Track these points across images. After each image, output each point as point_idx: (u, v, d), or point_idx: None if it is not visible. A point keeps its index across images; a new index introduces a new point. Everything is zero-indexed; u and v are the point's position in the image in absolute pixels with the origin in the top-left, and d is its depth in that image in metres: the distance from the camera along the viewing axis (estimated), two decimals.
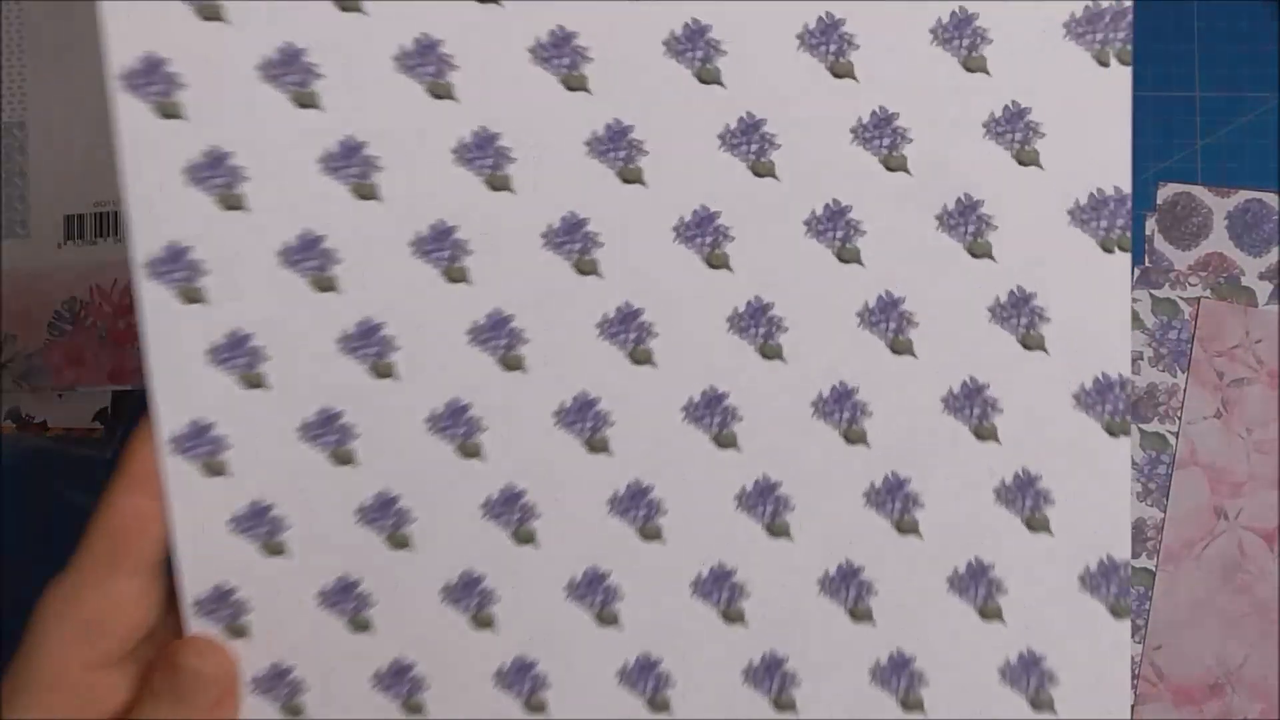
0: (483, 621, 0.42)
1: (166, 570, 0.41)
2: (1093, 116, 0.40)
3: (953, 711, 0.41)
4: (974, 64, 0.40)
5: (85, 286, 0.61)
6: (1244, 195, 0.62)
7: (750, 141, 0.41)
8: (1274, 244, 0.62)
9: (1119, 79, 0.40)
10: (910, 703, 0.41)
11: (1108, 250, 0.40)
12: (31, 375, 0.60)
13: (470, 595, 0.42)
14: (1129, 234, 0.40)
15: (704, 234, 0.41)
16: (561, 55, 0.41)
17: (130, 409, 0.61)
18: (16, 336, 0.60)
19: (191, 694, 0.39)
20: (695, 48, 0.41)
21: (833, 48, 0.40)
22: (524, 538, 0.42)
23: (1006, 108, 0.40)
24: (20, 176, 0.61)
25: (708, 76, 0.41)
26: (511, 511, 0.42)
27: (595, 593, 0.42)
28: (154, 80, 0.42)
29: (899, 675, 0.41)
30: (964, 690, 0.41)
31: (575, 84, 0.41)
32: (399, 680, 0.42)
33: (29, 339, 0.60)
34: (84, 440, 0.60)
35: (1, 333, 0.60)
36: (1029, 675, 0.41)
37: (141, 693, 0.39)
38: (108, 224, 0.61)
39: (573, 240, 0.41)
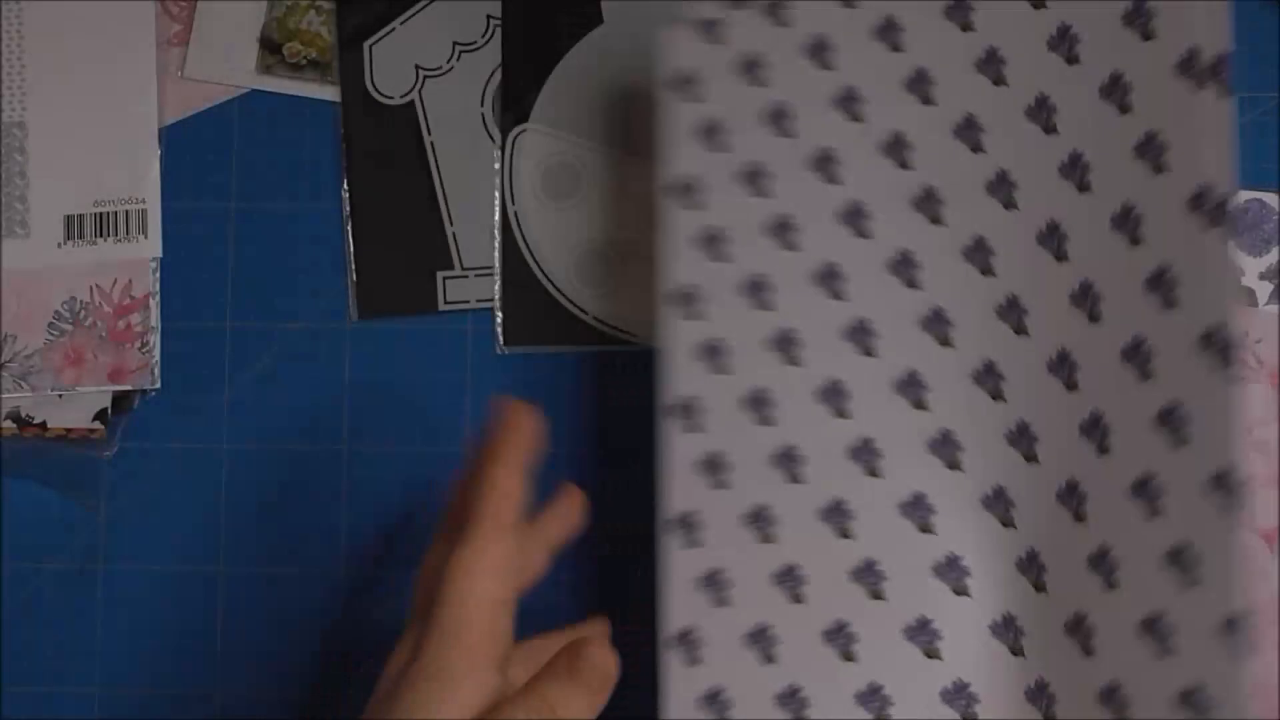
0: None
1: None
2: None
3: None
4: None
5: (85, 286, 0.61)
6: (1244, 195, 0.62)
7: None
8: (1274, 244, 0.62)
9: None
10: None
11: None
12: (31, 375, 0.60)
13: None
14: None
15: None
16: None
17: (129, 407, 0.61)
18: (16, 336, 0.60)
19: (587, 681, 0.46)
20: None
21: None
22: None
23: None
24: (20, 176, 0.61)
25: None
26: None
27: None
28: None
29: None
30: None
31: None
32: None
33: (29, 339, 0.60)
34: (84, 440, 0.60)
35: (1, 333, 0.60)
36: None
37: (542, 671, 0.46)
38: (108, 224, 0.61)
39: None
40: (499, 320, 0.61)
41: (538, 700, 0.45)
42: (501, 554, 0.46)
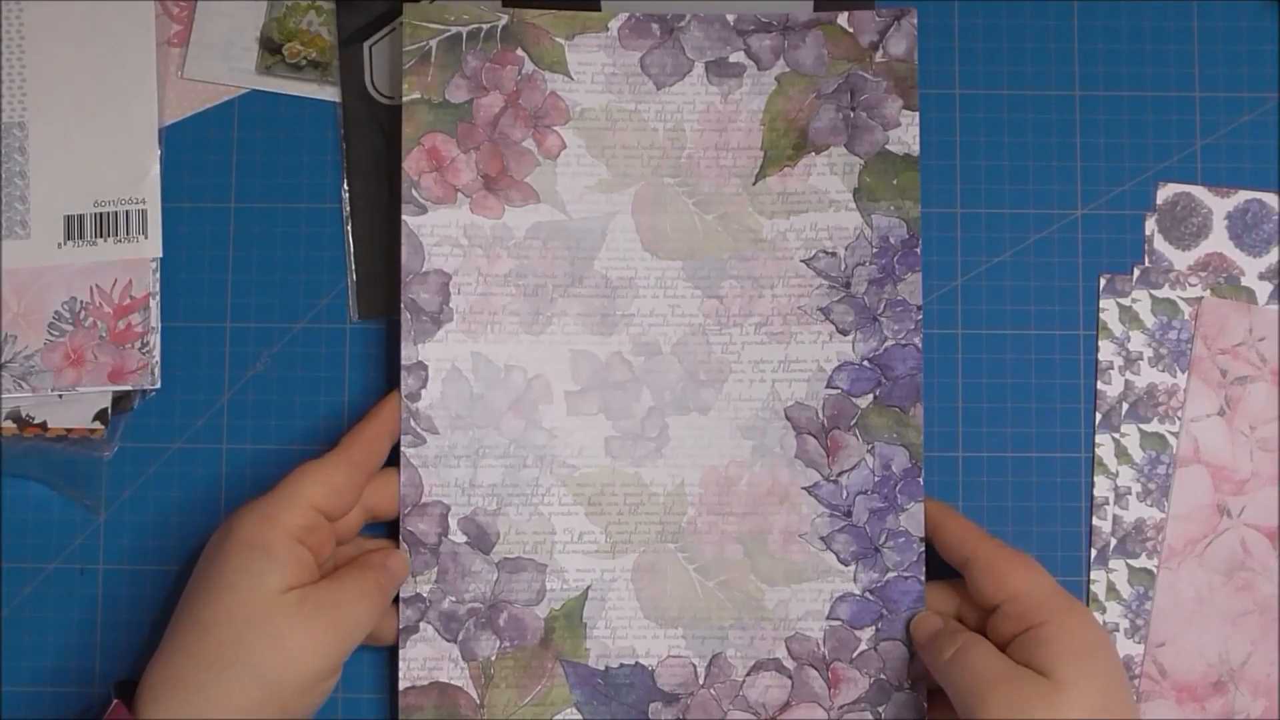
0: None
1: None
2: None
3: None
4: None
5: (85, 286, 0.61)
6: (1244, 195, 0.62)
7: None
8: (1274, 244, 0.62)
9: None
10: None
11: None
12: (31, 375, 0.60)
13: None
14: None
15: None
16: None
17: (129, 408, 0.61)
18: (16, 336, 0.60)
19: (376, 579, 0.55)
20: None
21: None
22: None
23: None
24: (20, 176, 0.61)
25: None
26: None
27: None
28: None
29: None
30: None
31: None
32: None
33: (29, 339, 0.60)
34: (84, 440, 0.60)
35: (1, 333, 0.60)
36: None
37: (345, 566, 0.55)
38: (108, 224, 0.61)
39: None
40: None
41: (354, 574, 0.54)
42: (340, 475, 0.55)
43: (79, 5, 0.62)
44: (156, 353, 0.61)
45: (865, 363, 0.58)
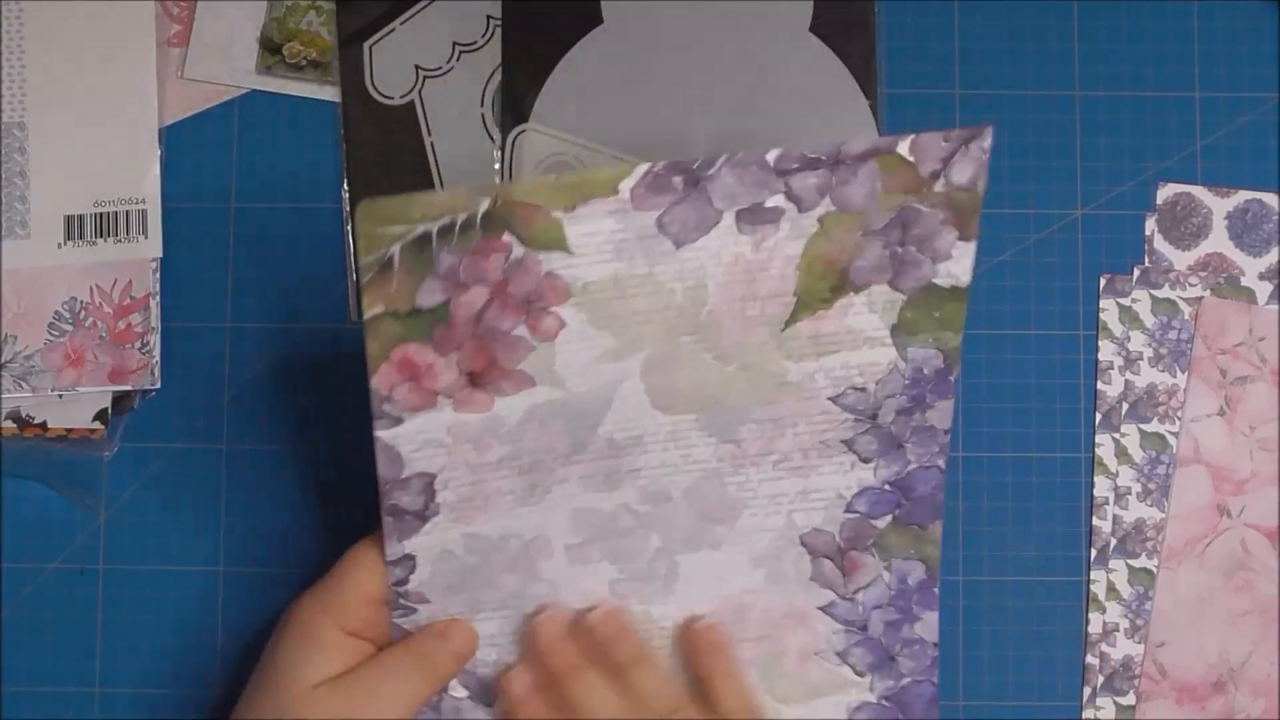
0: None
1: None
2: None
3: None
4: None
5: (85, 286, 0.61)
6: (1244, 195, 0.62)
7: None
8: (1274, 244, 0.62)
9: None
10: None
11: None
12: (31, 375, 0.60)
13: None
14: None
15: None
16: None
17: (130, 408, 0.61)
18: (16, 336, 0.60)
19: (414, 656, 0.53)
20: None
21: None
22: None
23: None
24: (20, 176, 0.61)
25: None
26: None
27: None
28: None
29: None
30: None
31: None
32: None
33: (29, 339, 0.60)
34: (84, 440, 0.60)
35: (1, 333, 0.60)
36: None
37: (388, 646, 0.53)
38: (108, 224, 0.61)
39: None
40: None
41: (410, 651, 0.52)
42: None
43: (79, 5, 0.62)
44: (156, 353, 0.61)
45: (886, 486, 0.54)
